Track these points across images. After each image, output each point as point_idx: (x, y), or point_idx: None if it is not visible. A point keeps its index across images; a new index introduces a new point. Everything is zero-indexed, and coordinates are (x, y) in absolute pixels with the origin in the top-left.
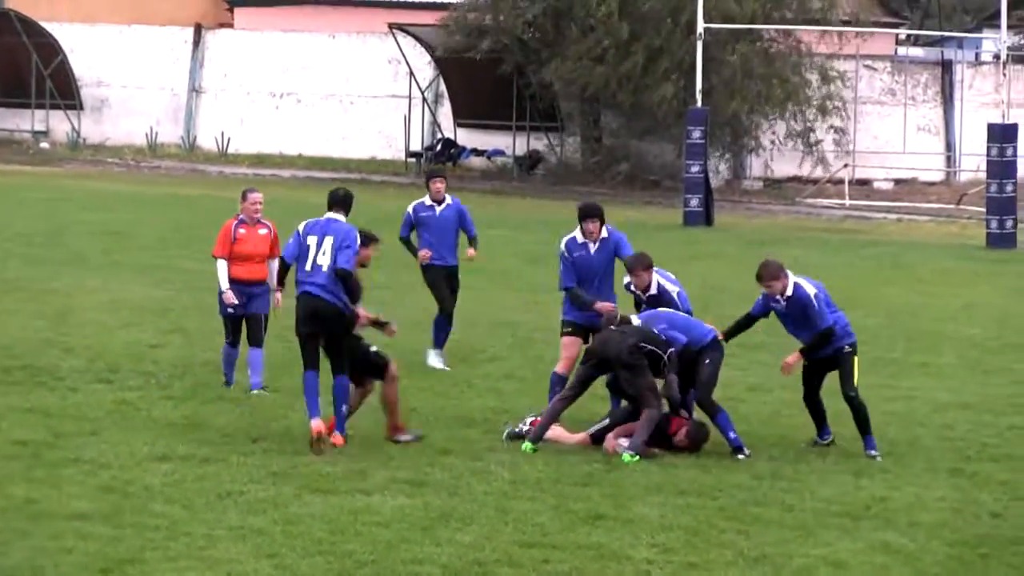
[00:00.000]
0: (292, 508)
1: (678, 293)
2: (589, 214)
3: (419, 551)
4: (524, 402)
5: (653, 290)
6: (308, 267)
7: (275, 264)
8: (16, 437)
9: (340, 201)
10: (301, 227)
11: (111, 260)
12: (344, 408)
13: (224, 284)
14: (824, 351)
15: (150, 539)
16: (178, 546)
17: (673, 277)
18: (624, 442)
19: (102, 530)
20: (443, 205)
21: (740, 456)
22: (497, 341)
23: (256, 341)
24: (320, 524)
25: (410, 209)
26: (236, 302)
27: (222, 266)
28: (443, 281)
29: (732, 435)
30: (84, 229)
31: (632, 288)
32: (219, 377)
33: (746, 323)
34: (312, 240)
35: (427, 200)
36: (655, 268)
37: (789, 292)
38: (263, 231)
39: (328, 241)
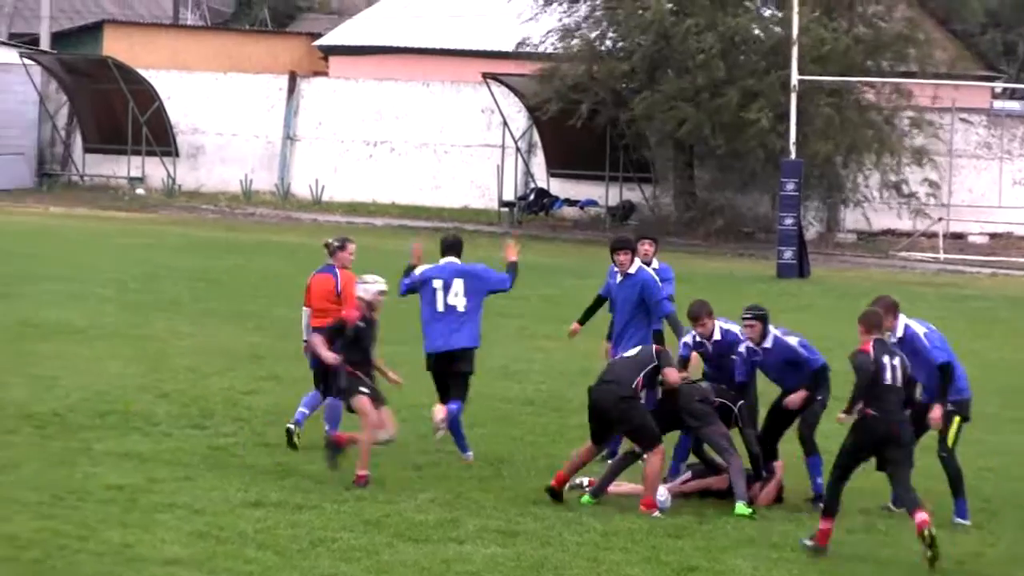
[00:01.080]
0: (384, 556)
1: (741, 330)
2: (615, 247)
3: None
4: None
5: (717, 335)
6: (441, 308)
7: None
8: (111, 482)
9: (452, 246)
10: (419, 270)
11: (205, 306)
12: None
13: None
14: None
15: None
16: None
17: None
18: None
19: None
20: (649, 268)
21: (820, 504)
22: (586, 391)
23: None
24: (412, 572)
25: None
26: None
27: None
28: None
29: (819, 480)
30: (178, 275)
31: (696, 339)
32: (313, 425)
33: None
34: (438, 283)
35: None
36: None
37: (900, 333)
38: None
39: (458, 284)
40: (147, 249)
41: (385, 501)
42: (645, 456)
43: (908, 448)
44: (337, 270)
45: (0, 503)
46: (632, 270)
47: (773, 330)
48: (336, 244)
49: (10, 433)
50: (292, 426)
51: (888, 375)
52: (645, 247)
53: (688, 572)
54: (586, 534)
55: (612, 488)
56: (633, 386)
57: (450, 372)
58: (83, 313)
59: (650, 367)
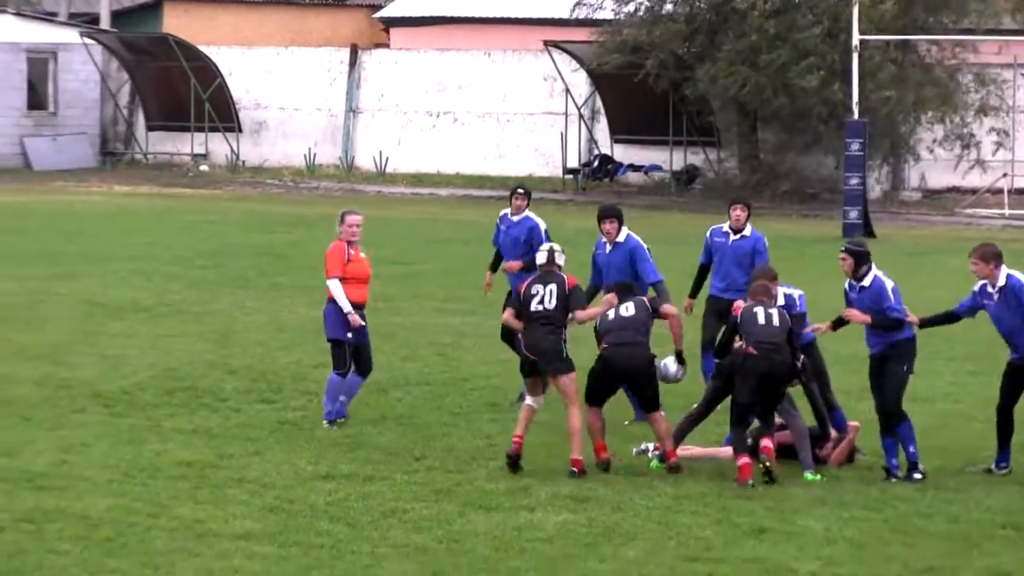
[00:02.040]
0: (456, 525)
1: (799, 296)
2: (603, 215)
3: (583, 567)
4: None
5: (780, 300)
6: None
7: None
8: (181, 458)
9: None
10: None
11: (272, 281)
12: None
13: (348, 305)
14: None
15: (316, 558)
16: (343, 564)
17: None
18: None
19: (268, 549)
20: (739, 235)
21: (917, 474)
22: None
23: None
24: (484, 541)
25: (708, 234)
26: (363, 323)
27: (339, 286)
28: (713, 317)
29: (912, 449)
30: (244, 250)
31: None
32: (382, 396)
33: (946, 319)
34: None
35: (724, 227)
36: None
37: (1001, 282)
38: (363, 254)
39: None
40: (212, 225)
41: (455, 471)
42: (650, 418)
43: (781, 388)
44: (345, 242)
45: (71, 482)
46: (621, 238)
47: (876, 271)
48: (339, 218)
49: (80, 412)
50: (337, 419)
51: (762, 318)
52: (737, 212)
53: (759, 533)
54: (657, 498)
55: (680, 451)
56: (649, 347)
57: None
58: (150, 291)
59: (651, 320)
